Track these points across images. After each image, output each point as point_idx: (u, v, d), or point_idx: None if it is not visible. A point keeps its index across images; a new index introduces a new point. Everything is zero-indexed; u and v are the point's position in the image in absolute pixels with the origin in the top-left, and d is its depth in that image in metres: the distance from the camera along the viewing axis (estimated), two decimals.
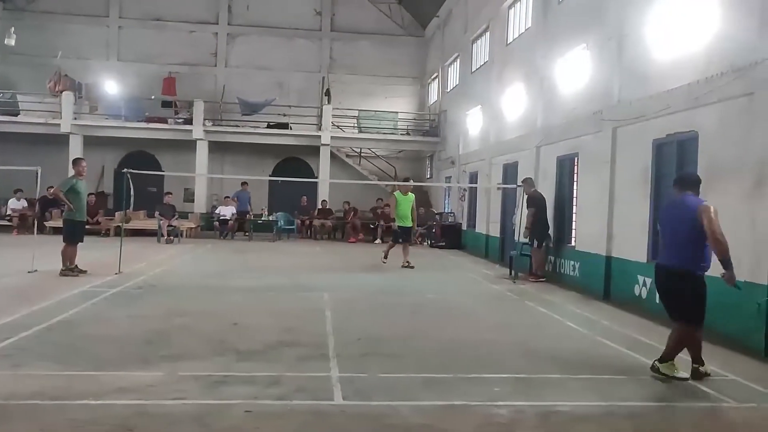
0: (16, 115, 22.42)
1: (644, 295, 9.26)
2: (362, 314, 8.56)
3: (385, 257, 13.95)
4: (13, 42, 22.71)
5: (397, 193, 14.66)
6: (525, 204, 12.48)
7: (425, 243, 20.95)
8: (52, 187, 17.48)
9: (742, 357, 6.60)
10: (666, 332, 7.60)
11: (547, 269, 12.72)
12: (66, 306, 8.19)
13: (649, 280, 9.15)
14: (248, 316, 8.04)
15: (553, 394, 5.19)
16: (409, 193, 14.43)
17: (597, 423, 4.59)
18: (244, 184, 22.12)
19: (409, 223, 14.35)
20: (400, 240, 14.30)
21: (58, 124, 21.83)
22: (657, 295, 8.72)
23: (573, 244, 12.12)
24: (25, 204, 20.51)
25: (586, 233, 11.43)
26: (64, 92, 22.07)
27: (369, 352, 6.38)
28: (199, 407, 4.59)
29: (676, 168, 8.70)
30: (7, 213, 20.57)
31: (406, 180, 15.77)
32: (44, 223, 18.85)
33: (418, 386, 5.29)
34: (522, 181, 12.92)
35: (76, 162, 11.72)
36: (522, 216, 12.62)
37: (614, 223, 10.44)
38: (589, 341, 7.35)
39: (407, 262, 13.74)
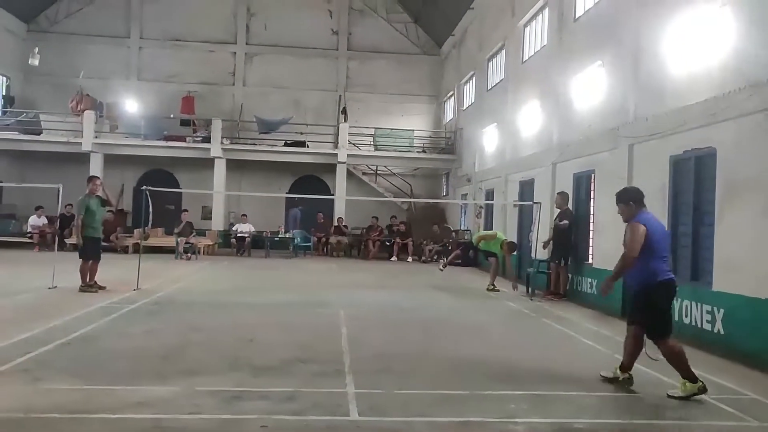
0: (39, 134, 22.85)
1: None
2: (378, 331, 8.54)
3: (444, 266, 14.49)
4: (37, 62, 23.22)
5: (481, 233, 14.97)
6: (558, 218, 12.37)
7: (441, 261, 20.88)
8: (70, 204, 17.76)
9: (765, 376, 6.49)
10: (686, 351, 7.54)
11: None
12: (85, 321, 8.27)
13: None
14: (264, 332, 8.06)
15: (570, 411, 5.14)
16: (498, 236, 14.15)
17: None
18: (294, 205, 22.53)
19: (494, 250, 13.86)
20: (488, 260, 14.30)
21: (80, 143, 22.20)
22: (676, 313, 8.70)
23: (590, 261, 12.03)
24: (46, 221, 20.79)
25: (604, 250, 11.34)
26: (85, 111, 22.46)
27: (385, 368, 6.37)
28: (215, 422, 4.61)
29: (694, 185, 8.66)
30: (28, 230, 20.85)
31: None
32: (64, 240, 19.08)
33: (433, 403, 5.27)
34: (558, 194, 12.72)
35: (90, 180, 11.86)
36: (539, 232, 12.56)
37: None
38: (606, 359, 7.26)
39: (492, 285, 13.45)
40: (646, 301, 5.78)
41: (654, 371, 6.54)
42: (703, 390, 5.53)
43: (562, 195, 12.53)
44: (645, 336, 5.85)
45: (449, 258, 14.28)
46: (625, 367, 5.99)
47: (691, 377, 5.59)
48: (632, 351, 5.95)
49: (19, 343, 6.80)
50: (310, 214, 23.16)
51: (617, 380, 5.95)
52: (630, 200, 6.08)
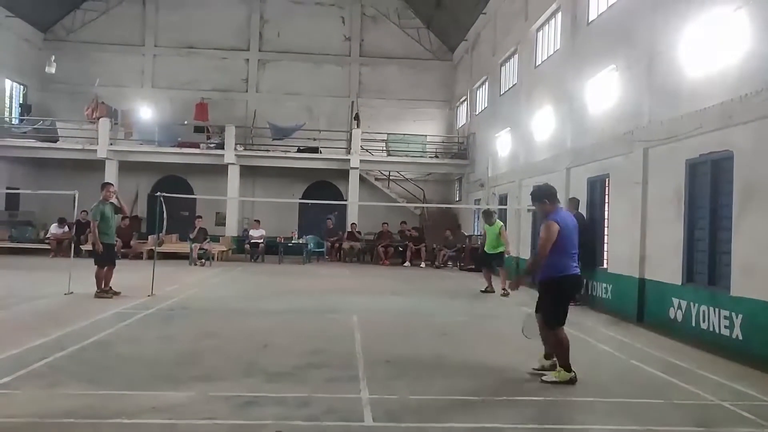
0: (55, 141, 23.08)
1: (679, 318, 9.06)
2: (392, 336, 8.52)
3: (490, 287, 13.77)
4: (53, 70, 23.49)
5: (484, 226, 14.56)
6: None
7: (456, 266, 20.83)
8: (85, 211, 17.88)
9: None
10: (704, 357, 7.49)
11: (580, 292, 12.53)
12: (100, 327, 8.32)
13: (684, 303, 8.97)
14: (278, 337, 8.06)
15: (586, 417, 5.09)
16: (496, 222, 14.17)
17: None
18: (332, 212, 22.78)
19: (498, 250, 13.94)
20: (491, 266, 14.20)
21: (95, 150, 22.39)
22: (693, 318, 8.62)
23: (605, 266, 11.94)
24: (66, 230, 20.95)
25: (619, 255, 11.26)
26: (100, 119, 22.66)
27: (399, 373, 6.34)
28: (229, 427, 4.61)
29: (710, 188, 8.58)
30: (47, 237, 21.03)
31: (486, 212, 14.95)
32: (80, 246, 19.22)
33: (448, 408, 5.23)
34: (570, 199, 12.64)
35: (104, 186, 11.95)
36: None
37: (647, 244, 10.27)
38: (622, 364, 7.21)
39: (504, 289, 13.37)
40: (551, 293, 6.20)
41: (674, 378, 6.48)
42: (574, 380, 6.00)
43: (573, 201, 12.49)
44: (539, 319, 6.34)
45: (486, 280, 13.88)
46: (549, 355, 6.40)
47: (567, 367, 6.07)
48: (566, 349, 6.23)
49: (36, 349, 6.85)
50: (323, 220, 23.22)
51: (543, 369, 6.33)
52: (543, 198, 6.36)
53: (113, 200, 11.61)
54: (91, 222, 11.52)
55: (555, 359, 6.29)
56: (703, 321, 8.47)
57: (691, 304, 8.79)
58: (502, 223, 14.33)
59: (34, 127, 23.35)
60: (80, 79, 24.77)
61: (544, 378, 6.12)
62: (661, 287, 9.69)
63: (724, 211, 8.27)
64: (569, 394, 5.74)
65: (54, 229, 20.97)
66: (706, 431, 4.86)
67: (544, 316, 6.29)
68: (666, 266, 9.56)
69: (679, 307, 9.08)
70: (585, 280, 12.29)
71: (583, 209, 12.57)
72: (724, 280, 8.16)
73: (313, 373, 6.28)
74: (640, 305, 10.26)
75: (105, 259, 11.32)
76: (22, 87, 24.94)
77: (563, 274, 6.13)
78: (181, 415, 4.82)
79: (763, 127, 7.49)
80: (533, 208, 15.00)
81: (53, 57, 23.63)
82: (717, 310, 8.18)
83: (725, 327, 7.97)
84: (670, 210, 9.55)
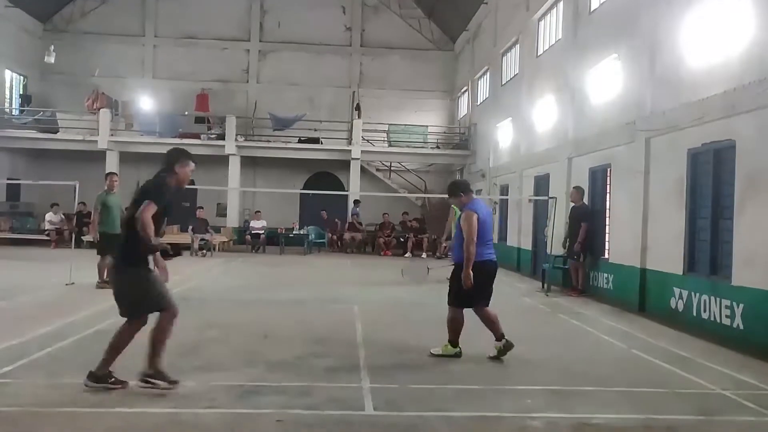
0: (56, 132, 23.03)
1: (681, 308, 9.06)
2: (393, 326, 8.53)
3: None
4: (53, 60, 23.41)
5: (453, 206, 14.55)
6: (570, 213, 12.27)
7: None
8: (83, 202, 17.89)
9: None
10: (705, 346, 7.50)
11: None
12: (102, 317, 8.29)
13: (685, 293, 8.96)
14: (279, 328, 8.07)
15: (588, 406, 5.09)
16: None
17: None
18: (357, 201, 22.70)
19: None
20: None
21: (96, 141, 22.35)
22: (694, 308, 8.62)
23: (606, 256, 11.93)
24: (62, 218, 20.96)
25: (620, 245, 11.25)
26: (101, 110, 22.61)
27: (399, 363, 6.35)
28: (231, 416, 4.62)
29: (712, 178, 8.55)
30: (45, 227, 21.04)
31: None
32: (81, 237, 19.23)
33: (449, 397, 5.24)
34: (573, 188, 12.58)
35: (108, 176, 11.97)
36: (554, 227, 12.48)
37: (649, 234, 10.25)
38: (624, 354, 7.21)
39: None
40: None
41: (676, 368, 6.48)
42: (459, 355, 6.51)
43: (578, 189, 12.40)
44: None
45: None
46: (500, 336, 6.62)
47: (454, 343, 6.57)
48: (491, 322, 6.64)
49: (37, 338, 6.87)
50: (316, 212, 23.18)
51: (498, 354, 6.57)
52: (459, 192, 6.74)
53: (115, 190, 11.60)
54: (93, 211, 11.52)
55: (507, 339, 6.56)
56: (704, 311, 8.47)
57: (693, 293, 8.78)
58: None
59: (35, 117, 23.31)
60: (80, 70, 24.69)
61: (432, 351, 6.60)
62: (662, 277, 9.69)
63: (726, 200, 8.25)
64: (571, 384, 5.75)
65: (50, 217, 20.97)
66: (707, 419, 4.86)
67: (449, 294, 6.65)
68: (667, 256, 9.55)
69: (681, 296, 9.08)
70: (588, 270, 12.30)
71: (584, 199, 12.53)
72: (726, 269, 8.15)
73: (314, 362, 6.29)
74: (642, 295, 10.26)
75: (107, 249, 11.31)
76: (22, 78, 24.88)
77: (478, 260, 6.39)
78: (183, 404, 4.83)
79: (766, 115, 7.44)
80: (535, 198, 15.22)
81: (52, 47, 23.55)
82: (718, 299, 8.18)
83: (726, 316, 7.97)
84: (672, 200, 9.52)
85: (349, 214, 22.93)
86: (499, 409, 4.94)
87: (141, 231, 4.89)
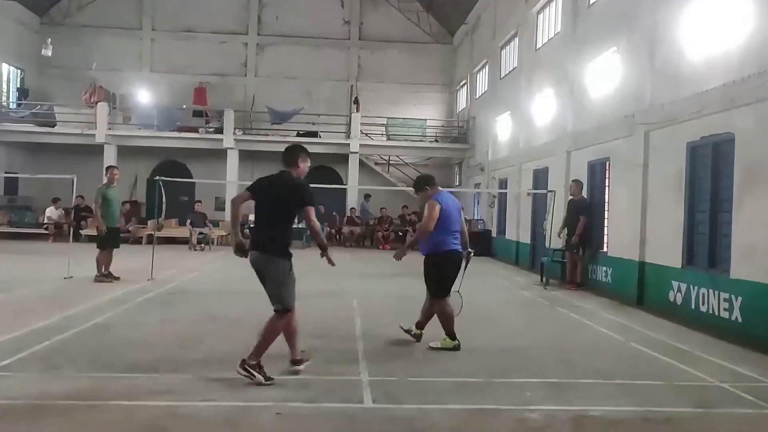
0: (53, 126, 22.96)
1: (679, 301, 9.07)
2: (391, 319, 8.48)
3: None
4: (50, 53, 23.31)
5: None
6: (568, 206, 12.27)
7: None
8: (81, 196, 17.85)
9: None
10: (704, 339, 7.52)
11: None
12: (100, 311, 8.33)
13: (684, 286, 8.97)
14: None
15: (586, 398, 5.10)
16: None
17: (631, 428, 4.50)
18: (368, 196, 22.89)
19: None
20: None
21: (93, 135, 22.27)
22: (693, 301, 8.63)
23: (605, 249, 11.93)
24: (62, 213, 20.93)
25: (619, 239, 11.25)
26: (98, 103, 22.54)
27: (398, 355, 6.36)
28: (229, 409, 4.62)
29: (711, 171, 8.54)
30: (45, 221, 21.03)
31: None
32: (79, 231, 19.21)
33: (448, 390, 5.24)
34: (573, 181, 12.57)
35: (109, 169, 11.95)
36: (553, 220, 12.47)
37: (647, 228, 10.25)
38: (622, 347, 7.22)
39: None
40: (434, 267, 6.63)
41: (674, 360, 6.49)
42: (458, 347, 6.56)
43: (577, 183, 12.39)
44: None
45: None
46: (422, 324, 6.88)
47: (452, 336, 6.63)
48: (431, 314, 6.82)
49: (36, 332, 6.86)
50: (315, 205, 23.10)
51: (410, 333, 6.89)
52: (425, 186, 6.88)
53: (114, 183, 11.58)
54: (94, 205, 11.50)
55: (423, 331, 6.84)
56: (703, 304, 8.48)
57: (691, 287, 8.79)
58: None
59: (32, 111, 23.24)
60: (78, 63, 24.63)
61: (431, 344, 6.66)
62: (661, 270, 9.70)
63: (725, 193, 8.25)
64: (570, 377, 5.75)
65: (50, 212, 20.96)
66: (705, 412, 4.87)
67: (429, 289, 6.78)
68: (666, 249, 9.55)
69: (679, 290, 9.08)
70: (587, 264, 12.31)
71: (583, 193, 12.52)
72: (724, 263, 8.16)
73: (313, 355, 6.27)
74: (640, 288, 10.27)
75: (107, 243, 11.32)
76: (19, 71, 24.79)
77: (443, 250, 6.57)
78: (182, 397, 4.83)
79: (764, 108, 7.44)
80: (534, 192, 15.21)
81: (49, 39, 23.45)
82: (717, 292, 8.19)
83: (725, 309, 7.98)
84: (671, 193, 9.52)
85: (358, 209, 22.97)
86: (498, 401, 4.95)
87: (316, 235, 5.81)
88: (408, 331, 6.95)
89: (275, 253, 5.49)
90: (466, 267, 6.95)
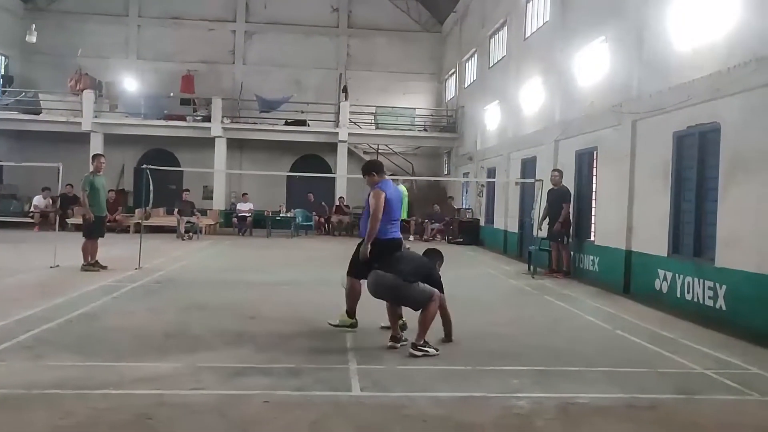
0: (38, 113, 22.69)
1: (665, 289, 9.15)
2: (380, 307, 8.49)
3: None
4: (34, 39, 22.96)
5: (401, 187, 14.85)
6: (548, 195, 12.33)
7: (444, 239, 20.88)
8: (70, 184, 17.70)
9: (765, 350, 6.49)
10: (689, 327, 7.60)
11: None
12: (87, 300, 8.28)
13: (670, 275, 9.05)
14: (266, 309, 8.07)
15: (573, 386, 5.14)
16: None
17: (617, 414, 4.55)
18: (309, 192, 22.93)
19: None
20: None
21: (79, 123, 22.07)
22: (678, 289, 8.71)
23: (592, 238, 12.01)
24: (50, 202, 20.75)
25: (606, 227, 11.32)
26: (84, 91, 22.31)
27: (386, 344, 6.36)
28: (217, 397, 4.62)
29: (697, 160, 8.61)
30: (31, 210, 20.84)
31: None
32: (65, 219, 19.06)
33: (436, 378, 5.27)
34: (554, 170, 12.65)
35: (95, 158, 11.88)
36: (541, 210, 12.53)
37: (634, 217, 10.33)
38: (609, 334, 7.29)
39: None
40: (372, 252, 6.64)
41: (660, 348, 6.56)
42: (354, 326, 6.81)
43: (559, 172, 12.49)
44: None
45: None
46: (350, 313, 6.95)
47: (351, 313, 6.87)
48: (354, 298, 6.91)
49: (22, 321, 6.82)
50: (303, 194, 23.14)
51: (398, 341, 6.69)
52: (372, 171, 6.93)
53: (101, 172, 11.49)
54: (81, 193, 11.41)
55: (404, 319, 6.68)
56: (688, 292, 8.56)
57: (677, 275, 8.87)
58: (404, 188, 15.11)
59: (17, 99, 22.94)
60: (63, 50, 24.30)
61: (330, 322, 6.87)
62: (647, 259, 9.78)
63: (711, 183, 8.32)
64: (557, 364, 5.80)
65: (38, 200, 20.78)
66: (689, 398, 4.93)
67: (351, 267, 6.95)
68: (652, 238, 9.63)
69: (665, 278, 9.17)
70: (572, 253, 12.39)
71: (571, 182, 12.60)
72: (709, 251, 8.23)
73: (301, 343, 6.30)
74: (627, 277, 10.35)
75: (94, 232, 11.24)
76: (3, 58, 24.47)
77: (385, 237, 6.69)
78: (169, 385, 4.82)
79: (750, 98, 7.49)
80: (522, 181, 15.26)
81: (33, 26, 23.08)
82: (701, 281, 8.27)
83: (709, 298, 8.07)
84: (657, 182, 9.58)
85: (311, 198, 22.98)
86: (486, 389, 4.98)
87: None
88: (387, 327, 6.79)
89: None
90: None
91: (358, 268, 6.80)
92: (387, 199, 6.64)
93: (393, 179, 14.89)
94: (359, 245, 6.85)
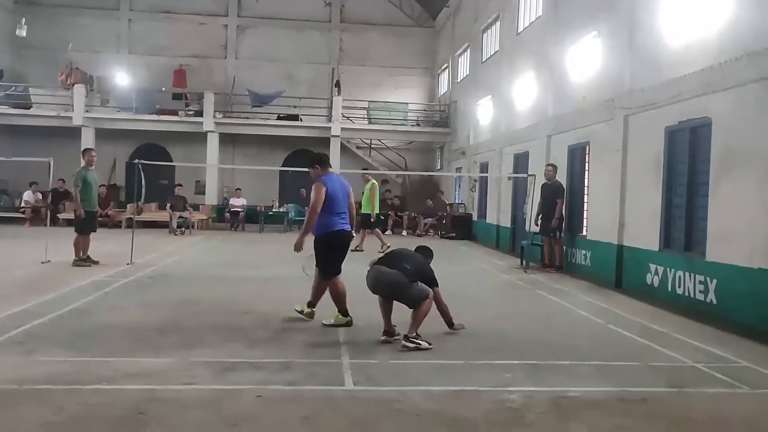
0: (29, 108, 22.53)
1: (656, 283, 9.20)
2: (372, 302, 8.49)
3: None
4: (24, 33, 22.73)
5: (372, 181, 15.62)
6: (542, 190, 12.35)
7: (437, 234, 20.90)
8: (62, 179, 17.59)
9: (757, 344, 6.53)
10: (680, 321, 7.65)
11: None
12: (79, 295, 8.25)
13: (661, 269, 9.10)
14: (259, 304, 8.05)
15: (564, 379, 5.17)
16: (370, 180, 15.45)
17: (608, 408, 4.57)
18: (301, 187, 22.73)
19: (365, 211, 15.19)
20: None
21: (70, 117, 21.91)
22: (670, 283, 8.75)
23: (584, 233, 12.05)
24: (40, 197, 20.65)
25: (598, 222, 11.37)
26: (75, 85, 22.15)
27: (379, 338, 6.37)
28: (209, 392, 4.61)
29: (688, 155, 8.64)
30: (21, 205, 20.73)
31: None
32: (57, 215, 18.97)
33: (428, 372, 5.28)
34: (548, 165, 12.67)
35: (86, 152, 11.81)
36: (534, 205, 12.56)
37: (626, 211, 10.37)
38: (600, 329, 7.32)
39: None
40: (321, 247, 6.86)
41: (651, 342, 6.60)
42: (350, 324, 6.79)
43: (553, 166, 12.51)
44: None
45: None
46: (313, 303, 7.03)
47: (344, 312, 6.85)
48: (317, 291, 7.03)
49: (13, 316, 6.79)
50: (296, 189, 23.07)
51: (302, 313, 7.01)
52: (315, 164, 7.08)
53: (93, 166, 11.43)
54: (73, 188, 11.36)
55: (314, 309, 6.98)
56: (679, 286, 8.61)
57: (668, 269, 8.92)
58: (375, 183, 15.55)
59: (6, 93, 22.75)
60: (53, 44, 24.09)
61: (324, 322, 6.83)
62: (638, 253, 9.82)
63: (702, 177, 8.36)
64: (549, 358, 5.82)
65: (28, 195, 20.67)
66: (679, 392, 4.97)
67: (320, 270, 6.95)
68: (644, 233, 9.67)
69: (656, 272, 9.22)
70: (564, 247, 12.43)
71: (563, 177, 12.63)
72: (700, 245, 8.28)
73: (293, 338, 6.30)
74: (619, 271, 10.40)
75: (86, 227, 11.19)
76: None
77: (330, 230, 6.80)
78: (161, 380, 4.81)
79: (741, 93, 7.53)
80: (514, 176, 15.29)
81: (24, 19, 22.87)
82: (692, 275, 8.32)
83: (700, 292, 8.12)
84: (649, 177, 9.62)
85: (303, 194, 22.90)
86: (478, 383, 5.00)
87: None
88: (301, 312, 7.04)
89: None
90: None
91: (333, 268, 6.91)
92: (328, 192, 6.72)
93: (364, 173, 15.15)
94: (315, 247, 6.93)
